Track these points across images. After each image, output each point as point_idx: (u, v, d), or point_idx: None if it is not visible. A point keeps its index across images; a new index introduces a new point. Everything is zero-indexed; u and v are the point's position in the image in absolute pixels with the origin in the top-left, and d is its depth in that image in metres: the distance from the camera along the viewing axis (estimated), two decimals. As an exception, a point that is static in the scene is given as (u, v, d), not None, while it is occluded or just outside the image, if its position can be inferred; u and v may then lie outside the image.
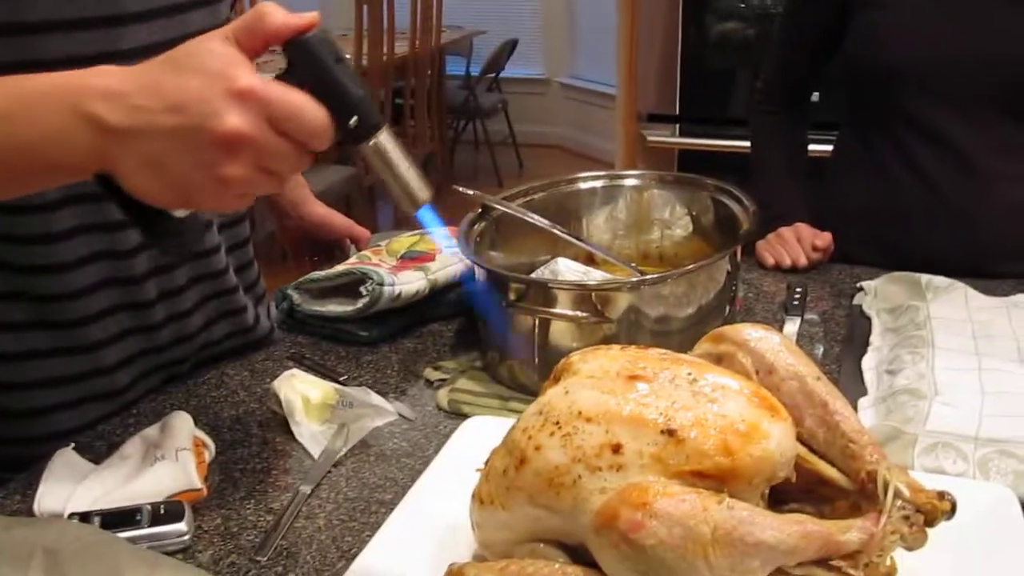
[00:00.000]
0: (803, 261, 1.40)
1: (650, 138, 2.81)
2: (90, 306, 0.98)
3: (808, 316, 1.25)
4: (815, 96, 1.68)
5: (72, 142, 0.64)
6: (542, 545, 0.70)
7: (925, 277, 1.27)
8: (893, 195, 1.45)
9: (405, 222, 5.04)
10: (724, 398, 0.67)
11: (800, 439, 0.70)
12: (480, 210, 1.23)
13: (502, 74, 6.30)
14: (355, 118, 0.68)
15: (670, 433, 0.65)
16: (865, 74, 1.45)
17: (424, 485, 0.86)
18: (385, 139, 0.70)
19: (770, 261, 1.42)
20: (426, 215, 0.76)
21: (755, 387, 0.70)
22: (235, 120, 0.62)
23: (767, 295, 1.33)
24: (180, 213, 0.70)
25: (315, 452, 0.95)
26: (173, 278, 1.04)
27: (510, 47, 6.07)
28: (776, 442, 0.66)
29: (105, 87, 0.64)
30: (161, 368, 1.09)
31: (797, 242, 1.42)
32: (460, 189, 1.23)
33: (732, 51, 2.79)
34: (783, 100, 1.62)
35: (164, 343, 1.06)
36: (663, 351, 0.73)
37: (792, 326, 1.21)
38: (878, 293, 1.27)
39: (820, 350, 1.16)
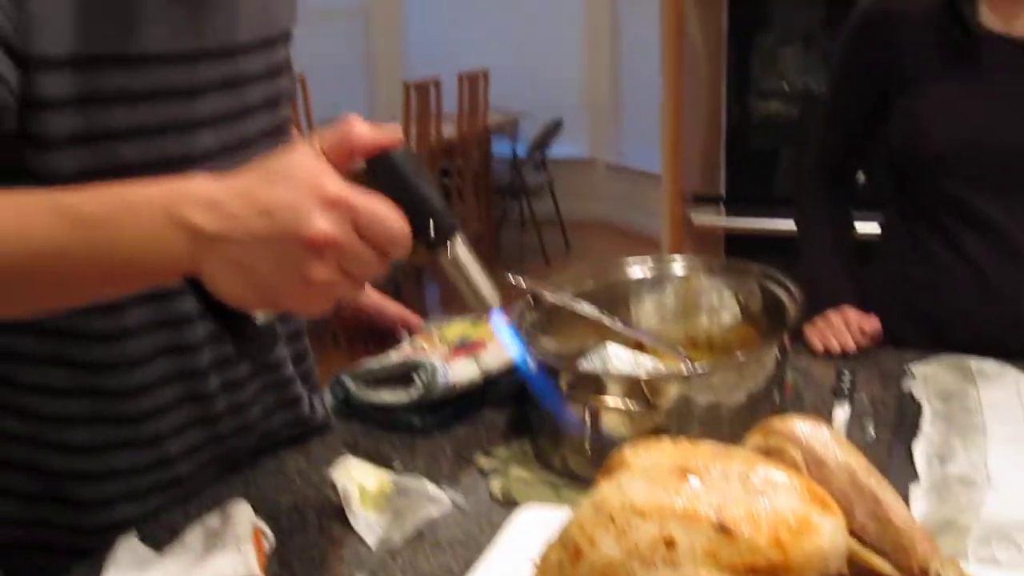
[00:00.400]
0: (851, 346, 1.41)
1: (696, 220, 2.84)
2: (155, 400, 1.01)
3: (857, 401, 1.26)
4: (860, 176, 1.71)
5: (167, 247, 0.69)
6: (597, 639, 0.71)
7: (975, 362, 1.27)
8: (939, 278, 1.46)
9: (451, 302, 5.10)
10: (775, 492, 0.69)
11: (852, 532, 0.71)
12: (531, 299, 1.26)
13: (548, 154, 6.39)
14: (433, 228, 0.72)
15: (723, 528, 0.66)
16: (907, 161, 1.48)
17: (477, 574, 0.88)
18: (459, 248, 0.75)
19: (819, 347, 1.43)
20: (496, 317, 0.80)
21: (806, 481, 0.71)
22: (323, 225, 0.66)
23: (816, 380, 1.34)
24: (261, 318, 0.73)
25: (371, 541, 0.97)
26: (234, 371, 1.08)
27: (556, 127, 6.16)
28: (828, 536, 0.67)
29: (200, 195, 0.69)
30: (222, 457, 1.12)
31: (845, 327, 1.43)
32: (511, 278, 1.26)
33: (776, 131, 2.84)
34: (828, 182, 1.65)
35: (225, 434, 1.09)
36: (714, 445, 0.75)
37: (842, 411, 1.22)
38: (927, 378, 1.27)
39: (870, 436, 1.17)
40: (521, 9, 6.93)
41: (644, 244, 5.72)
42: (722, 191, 2.84)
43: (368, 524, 0.99)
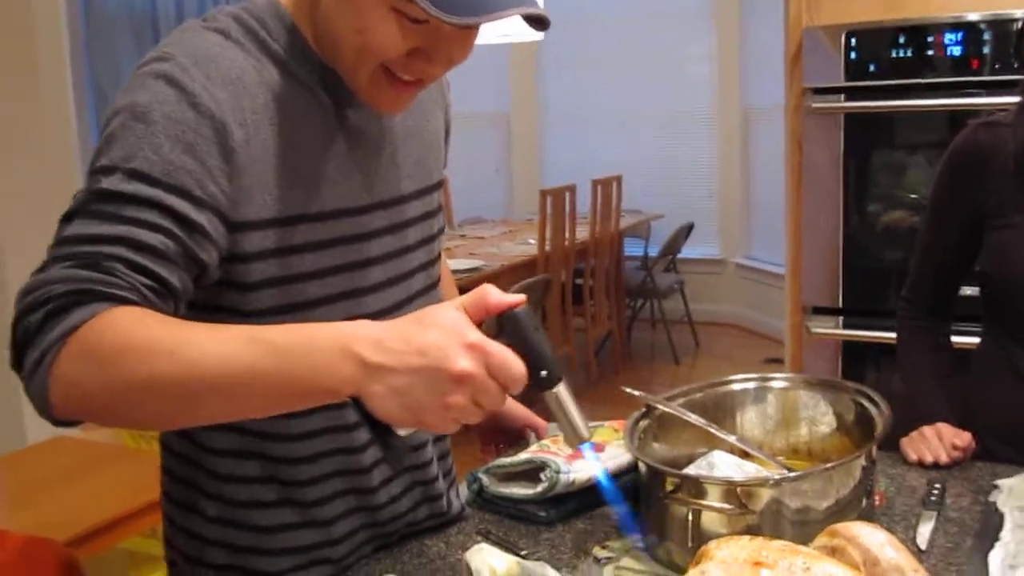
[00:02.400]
0: (944, 458, 1.51)
1: (814, 329, 2.95)
2: (327, 489, 1.22)
3: (945, 510, 1.36)
4: (967, 290, 1.81)
5: (340, 373, 0.87)
6: None
7: (1059, 478, 1.37)
8: None
9: (581, 393, 5.22)
10: (832, 584, 0.83)
11: (899, 623, 0.85)
12: (644, 409, 1.42)
13: (679, 255, 6.53)
14: (544, 373, 0.92)
15: (785, 611, 0.81)
16: (995, 287, 1.60)
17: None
18: (562, 390, 0.94)
19: (913, 457, 1.54)
20: (586, 449, 0.99)
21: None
22: (465, 363, 0.86)
23: (908, 489, 1.45)
24: (403, 432, 0.93)
25: (500, 615, 1.14)
26: (391, 468, 1.27)
27: (687, 230, 6.31)
28: (874, 623, 0.81)
29: (368, 335, 0.88)
30: (375, 539, 1.30)
31: (938, 440, 1.53)
32: (628, 391, 1.43)
33: (894, 241, 2.93)
34: (926, 307, 1.76)
35: (381, 520, 1.28)
36: (784, 543, 0.90)
37: (929, 520, 1.32)
38: (1012, 491, 1.37)
39: (954, 544, 1.27)
40: (655, 120, 7.17)
41: (769, 345, 5.79)
42: (840, 302, 2.94)
43: (497, 601, 1.16)
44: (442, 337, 0.87)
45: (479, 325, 0.90)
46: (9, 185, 3.75)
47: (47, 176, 3.81)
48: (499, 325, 0.92)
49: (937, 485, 1.42)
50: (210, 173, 1.01)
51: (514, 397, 0.92)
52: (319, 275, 1.13)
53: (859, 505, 1.26)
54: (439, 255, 1.35)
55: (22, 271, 0.97)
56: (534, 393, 0.95)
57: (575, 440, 0.96)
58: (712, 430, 1.41)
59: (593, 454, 1.00)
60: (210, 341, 0.90)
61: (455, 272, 4.25)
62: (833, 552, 0.91)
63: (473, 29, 1.04)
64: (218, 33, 1.09)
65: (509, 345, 0.89)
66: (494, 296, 0.91)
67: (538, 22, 1.02)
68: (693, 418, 1.41)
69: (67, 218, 0.98)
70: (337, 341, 0.88)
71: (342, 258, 1.15)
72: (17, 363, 0.93)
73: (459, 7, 0.95)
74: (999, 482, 1.41)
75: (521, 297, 0.93)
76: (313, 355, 0.88)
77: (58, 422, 0.93)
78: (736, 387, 1.49)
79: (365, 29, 1.03)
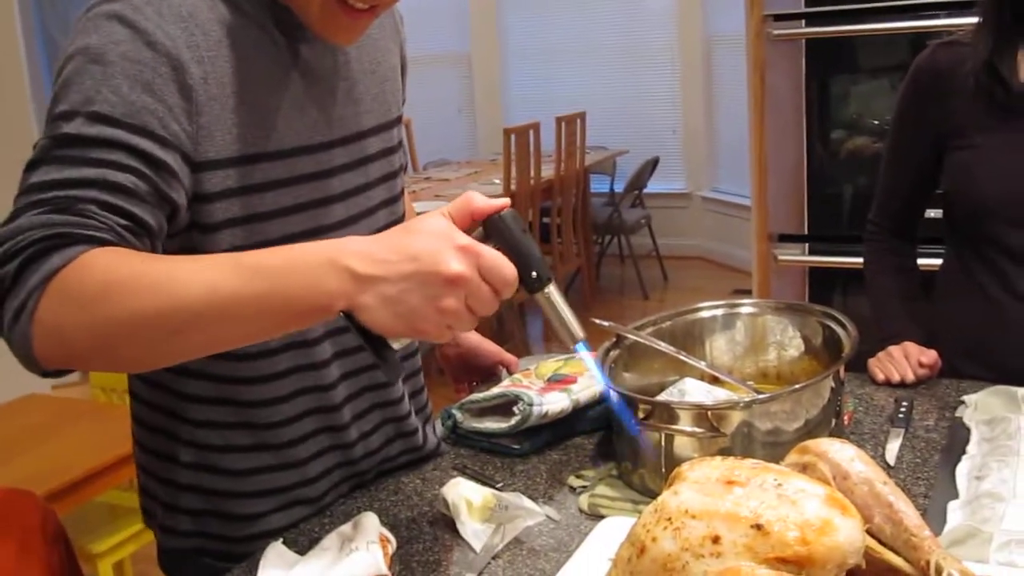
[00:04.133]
0: (911, 377, 1.53)
1: (781, 257, 2.97)
2: (299, 430, 1.21)
3: (914, 428, 1.39)
4: (931, 214, 1.82)
5: (330, 288, 0.87)
6: (663, 620, 0.87)
7: (1023, 391, 1.39)
8: (993, 315, 1.58)
9: (551, 336, 5.25)
10: (803, 499, 0.84)
11: (870, 533, 0.86)
12: (615, 339, 1.42)
13: (645, 190, 6.54)
14: (534, 273, 0.93)
15: (758, 527, 0.82)
16: (959, 207, 1.61)
17: (568, 574, 1.05)
18: (552, 291, 0.95)
19: (880, 377, 1.56)
20: (581, 347, 0.99)
21: (830, 490, 0.86)
22: (458, 266, 0.86)
23: (876, 408, 1.47)
24: (397, 345, 0.93)
25: (477, 547, 1.15)
26: (359, 403, 1.27)
27: (652, 164, 6.31)
28: (846, 534, 0.82)
29: (356, 247, 0.88)
30: (351, 478, 1.31)
31: (905, 359, 1.56)
32: (597, 322, 1.43)
33: (858, 167, 2.95)
34: (891, 229, 1.78)
35: (355, 458, 1.29)
36: (756, 461, 0.91)
37: (897, 437, 1.35)
38: (978, 406, 1.40)
39: (921, 460, 1.30)
40: (617, 54, 7.13)
41: (737, 277, 5.83)
42: (805, 229, 2.96)
43: (474, 532, 1.17)
44: (432, 242, 0.87)
45: (466, 232, 0.90)
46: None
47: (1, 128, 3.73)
48: (485, 230, 0.93)
49: (904, 403, 1.44)
50: (171, 111, 1.00)
51: (509, 303, 0.92)
52: (281, 213, 1.12)
53: (828, 425, 1.28)
54: (402, 191, 1.34)
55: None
56: (525, 294, 0.96)
57: (570, 339, 0.97)
58: (682, 357, 1.42)
59: (589, 354, 1.00)
60: (193, 271, 0.89)
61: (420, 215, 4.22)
62: (804, 468, 0.92)
63: None
64: None
65: (498, 249, 0.90)
66: (479, 201, 0.92)
67: None
68: (663, 346, 1.42)
69: (31, 166, 0.96)
70: (324, 256, 0.88)
71: (304, 196, 1.14)
72: None
73: None
74: (965, 398, 1.43)
75: (506, 200, 0.94)
76: (301, 272, 0.88)
77: (44, 372, 0.92)
78: (704, 314, 1.50)
79: None
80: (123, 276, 0.88)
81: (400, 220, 1.31)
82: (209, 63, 1.04)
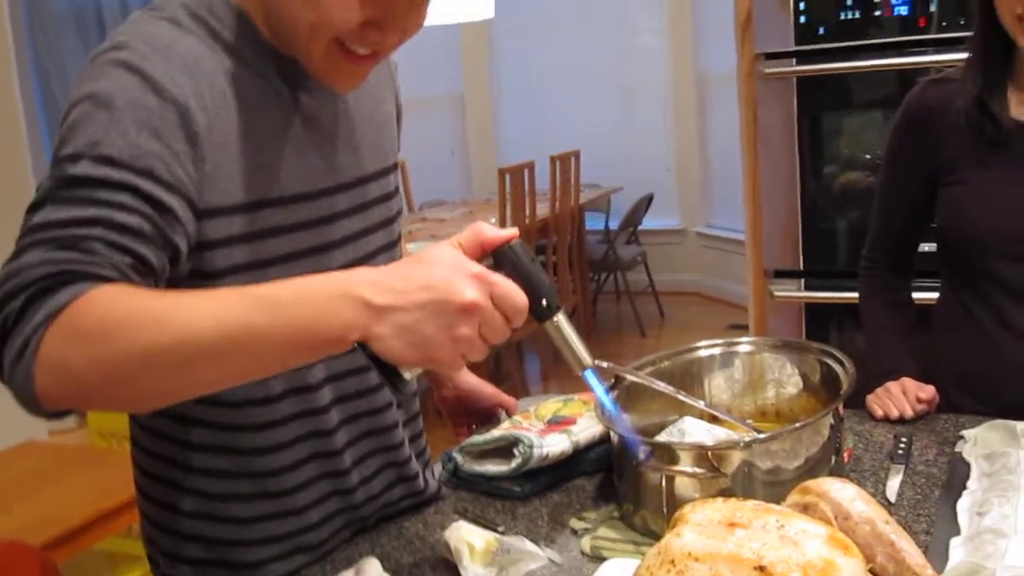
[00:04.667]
0: (909, 413, 1.54)
1: (777, 293, 2.98)
2: (299, 477, 1.22)
3: (914, 464, 1.39)
4: (926, 247, 1.83)
5: (344, 319, 0.87)
6: (668, 662, 0.87)
7: (1022, 425, 1.40)
8: (989, 350, 1.59)
9: (549, 376, 5.23)
10: (806, 540, 0.85)
11: (872, 573, 0.87)
12: (614, 379, 1.43)
13: (640, 227, 6.56)
14: (544, 302, 0.95)
15: (761, 569, 0.83)
16: (953, 242, 1.62)
17: (571, 617, 1.05)
18: (562, 319, 0.97)
19: (879, 413, 1.56)
20: (590, 375, 1.01)
21: (832, 531, 0.87)
22: (472, 293, 0.87)
23: (876, 445, 1.47)
24: (409, 375, 0.93)
25: (480, 592, 1.15)
26: (360, 447, 1.28)
27: (647, 201, 6.34)
28: (848, 575, 0.83)
29: (369, 278, 0.89)
30: (353, 523, 1.31)
31: (903, 395, 1.56)
32: (596, 363, 1.43)
33: (852, 202, 2.96)
34: (886, 264, 1.79)
35: (357, 503, 1.29)
36: (757, 503, 0.91)
37: (897, 473, 1.35)
38: (977, 440, 1.40)
39: (921, 496, 1.30)
40: (609, 93, 7.18)
41: (732, 312, 5.84)
42: (801, 265, 2.97)
43: (477, 577, 1.17)
44: (446, 271, 0.88)
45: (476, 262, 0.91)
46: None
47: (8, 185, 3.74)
48: (495, 260, 0.94)
49: (904, 439, 1.45)
50: (177, 157, 1.01)
51: (507, 342, 0.93)
52: (282, 260, 1.13)
53: (828, 463, 1.28)
54: (399, 237, 1.35)
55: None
56: (536, 323, 0.97)
57: (579, 367, 0.99)
58: (681, 397, 1.41)
59: (597, 381, 1.01)
60: (200, 304, 0.88)
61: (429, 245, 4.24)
62: (805, 509, 0.92)
63: None
64: (169, 22, 1.08)
65: (508, 278, 0.91)
66: (489, 231, 0.93)
67: None
68: (661, 386, 1.42)
69: (34, 207, 0.96)
70: (336, 287, 0.88)
71: (305, 242, 1.15)
72: None
73: None
74: (964, 432, 1.44)
75: (514, 230, 0.95)
76: (312, 303, 0.88)
77: (45, 413, 0.90)
78: (702, 353, 1.51)
79: (318, 3, 1.03)
80: (130, 311, 0.88)
81: None
82: (214, 112, 1.05)
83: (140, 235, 0.96)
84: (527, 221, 5.30)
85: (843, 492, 0.92)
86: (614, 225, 6.49)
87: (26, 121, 4.46)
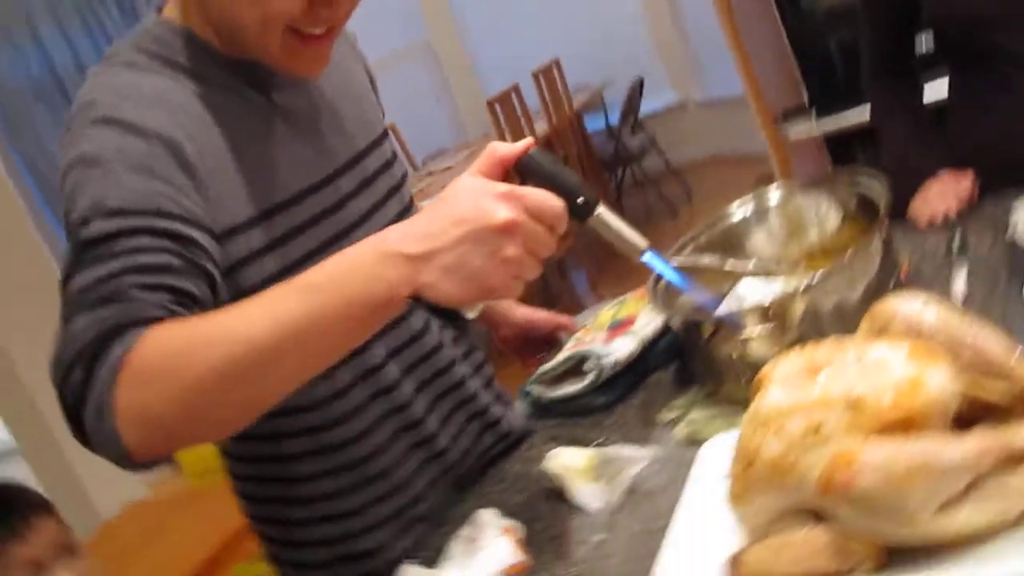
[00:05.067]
0: (954, 208, 1.52)
1: (792, 135, 2.94)
2: (393, 455, 1.25)
3: (972, 259, 1.37)
4: (922, 48, 1.80)
5: (388, 279, 0.87)
6: (792, 517, 0.88)
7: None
8: (1009, 122, 1.56)
9: (601, 284, 5.20)
10: (888, 364, 0.84)
11: (961, 375, 0.86)
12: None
13: (640, 114, 6.49)
14: (580, 199, 0.92)
15: (853, 404, 0.83)
16: (951, 28, 1.59)
17: (687, 505, 1.06)
18: (603, 211, 0.94)
19: (924, 219, 1.55)
20: (650, 259, 0.98)
21: (911, 346, 0.86)
22: (505, 212, 0.85)
23: (930, 252, 1.46)
24: (472, 314, 0.92)
25: (594, 508, 1.16)
26: (440, 408, 1.29)
27: (639, 86, 6.25)
28: (938, 384, 0.82)
29: (398, 233, 0.88)
30: (456, 482, 1.33)
31: (942, 193, 1.54)
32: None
33: (838, 21, 2.89)
34: (889, 73, 1.76)
35: (452, 463, 1.31)
36: (831, 341, 0.91)
37: (959, 274, 1.33)
38: (1029, 216, 1.38)
39: (988, 287, 1.29)
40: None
41: (755, 164, 5.77)
42: (806, 100, 2.93)
43: (588, 494, 1.19)
44: (473, 199, 0.86)
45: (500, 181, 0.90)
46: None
47: (8, 253, 3.76)
48: (520, 173, 0.92)
49: (956, 237, 1.43)
50: (180, 190, 1.01)
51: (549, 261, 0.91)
52: (309, 256, 1.14)
53: (888, 283, 1.27)
54: (411, 200, 1.35)
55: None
56: (579, 224, 0.94)
57: (636, 252, 0.96)
58: (728, 266, 1.42)
59: (659, 259, 0.99)
60: (253, 310, 0.89)
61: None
62: (879, 333, 0.92)
63: None
64: (126, 66, 1.09)
65: (537, 187, 0.89)
66: (503, 149, 0.91)
67: None
68: (707, 260, 1.42)
69: (65, 281, 0.97)
70: (373, 251, 0.88)
71: (325, 232, 1.16)
72: (78, 428, 0.90)
73: None
74: (1015, 215, 1.42)
75: (529, 139, 0.93)
76: (355, 274, 0.88)
77: (140, 465, 0.90)
78: (735, 217, 1.50)
79: None
80: (187, 340, 0.88)
81: None
82: (198, 138, 1.06)
83: (171, 270, 0.96)
84: (529, 143, 5.26)
85: (910, 305, 0.91)
86: (615, 120, 6.42)
87: (22, 199, 4.50)
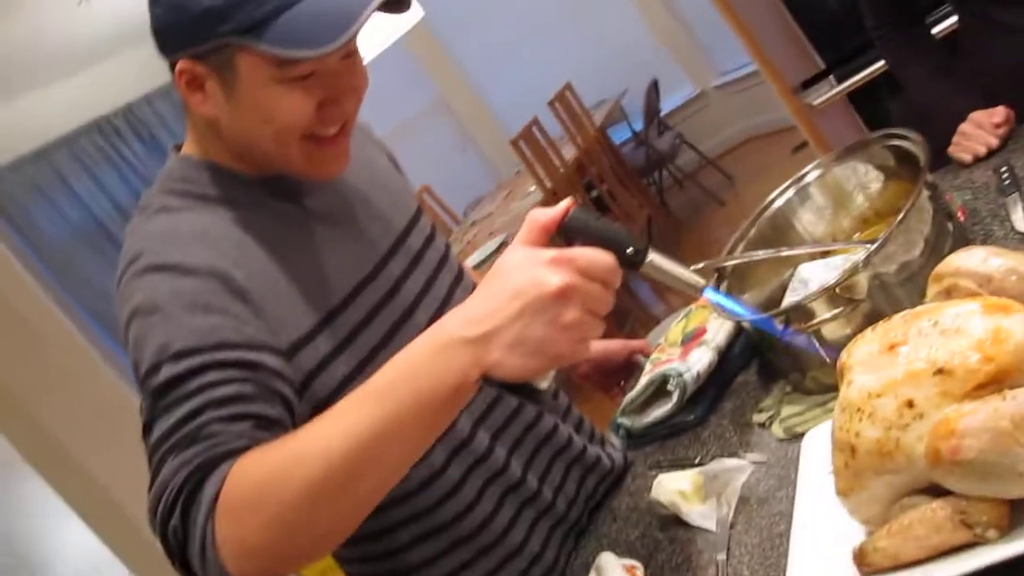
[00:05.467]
0: (994, 142, 1.49)
1: (816, 102, 2.91)
2: (503, 519, 1.25)
3: (1024, 185, 1.35)
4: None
5: (455, 368, 0.86)
6: (906, 499, 0.87)
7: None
8: (1018, 39, 1.53)
9: (662, 290, 5.16)
10: (964, 323, 0.83)
11: (1041, 313, 0.85)
12: (716, 273, 1.42)
13: (662, 114, 6.47)
14: (630, 249, 0.92)
15: (940, 372, 0.81)
16: None
17: (802, 505, 1.05)
18: (655, 256, 0.93)
19: (967, 158, 1.52)
20: (710, 293, 0.97)
21: (982, 300, 0.85)
22: (558, 277, 0.85)
23: (983, 189, 1.44)
24: (544, 383, 0.92)
25: (711, 526, 1.16)
26: (538, 463, 1.30)
27: (654, 87, 6.24)
28: (1020, 330, 0.81)
29: (455, 319, 0.88)
30: (571, 532, 1.33)
31: (979, 129, 1.52)
32: (693, 268, 1.43)
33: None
34: (893, 23, 1.74)
35: (563, 513, 1.31)
36: (903, 313, 0.90)
37: (1016, 204, 1.31)
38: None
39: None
40: (571, 15, 7.08)
41: (788, 136, 5.71)
42: (821, 63, 2.90)
43: (702, 515, 1.18)
44: (524, 271, 0.86)
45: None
46: (84, 433, 3.83)
47: (107, 404, 3.87)
48: (564, 236, 0.92)
49: (1004, 169, 1.41)
50: (238, 319, 1.04)
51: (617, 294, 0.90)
52: (379, 347, 1.16)
53: (947, 232, 1.26)
54: (460, 268, 1.37)
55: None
56: (634, 273, 0.94)
57: (695, 290, 0.95)
58: (784, 253, 1.41)
59: (715, 292, 0.99)
60: (328, 425, 0.90)
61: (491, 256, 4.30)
62: (949, 294, 0.91)
63: (353, 50, 1.09)
64: (161, 212, 1.12)
65: (584, 245, 0.89)
66: (543, 216, 0.91)
67: (396, 4, 1.04)
68: (761, 254, 1.41)
69: (145, 431, 0.99)
70: (433, 343, 0.88)
71: (388, 319, 1.18)
72: (187, 571, 0.92)
73: (325, 37, 0.99)
74: (1055, 131, 1.40)
75: (567, 201, 0.92)
76: (422, 369, 0.88)
77: None
78: (778, 203, 1.49)
79: (270, 115, 1.06)
80: (272, 466, 0.90)
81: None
82: (245, 264, 1.08)
83: (246, 398, 0.98)
84: (561, 171, 5.28)
85: (972, 258, 0.90)
86: (639, 127, 6.41)
87: (86, 339, 4.62)
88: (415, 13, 5.20)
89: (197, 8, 1.02)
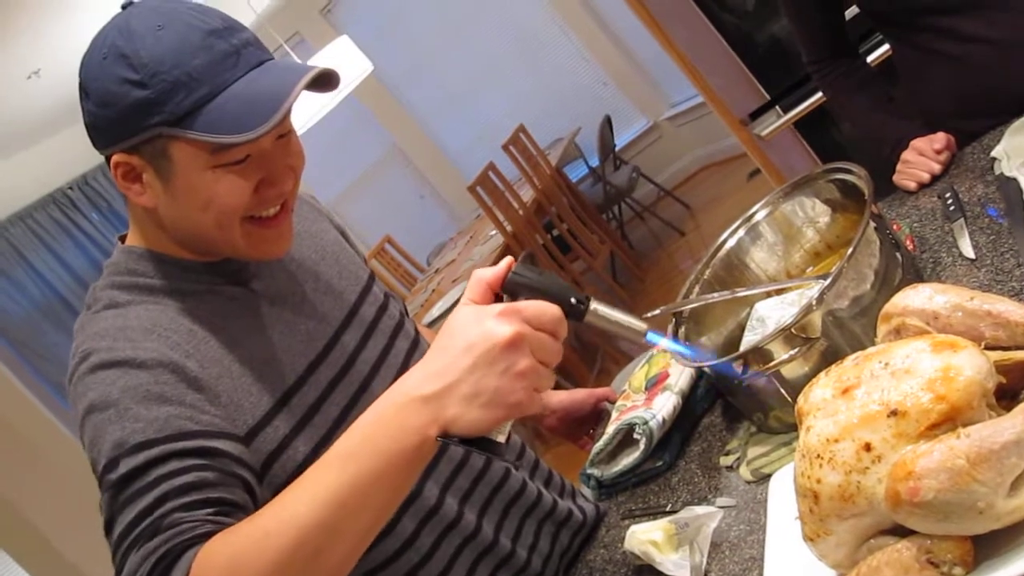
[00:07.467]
0: (936, 168, 1.52)
1: (764, 133, 2.95)
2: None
3: (970, 210, 1.37)
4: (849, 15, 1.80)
5: (412, 427, 0.87)
6: (873, 540, 0.87)
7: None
8: (956, 67, 1.57)
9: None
10: (914, 363, 0.84)
11: (989, 349, 0.86)
12: (673, 317, 1.43)
13: (617, 148, 6.52)
14: (572, 300, 0.94)
15: (894, 413, 0.82)
16: (879, 9, 1.60)
17: (773, 550, 1.05)
18: (597, 305, 0.96)
19: (912, 186, 1.54)
20: (652, 337, 0.99)
21: (930, 338, 0.86)
22: (507, 327, 0.87)
23: (929, 215, 1.45)
24: (501, 436, 0.93)
25: (685, 575, 1.16)
26: (509, 524, 1.29)
27: (608, 123, 6.29)
28: (970, 365, 0.82)
29: (409, 379, 0.89)
30: (545, 592, 1.33)
31: (921, 156, 1.54)
32: (647, 316, 1.43)
33: (771, 9, 2.92)
34: (829, 56, 1.77)
35: (539, 572, 1.30)
36: (854, 356, 0.91)
37: (962, 229, 1.33)
38: (1008, 154, 1.38)
39: (995, 233, 1.28)
40: (514, 57, 7.15)
41: (741, 163, 5.77)
42: (767, 95, 2.94)
43: (675, 564, 1.17)
44: (473, 326, 0.88)
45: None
46: (50, 508, 3.79)
47: (76, 481, 3.83)
48: (508, 292, 0.94)
49: (948, 195, 1.43)
50: (194, 407, 1.03)
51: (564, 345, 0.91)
52: (338, 422, 1.15)
53: (897, 262, 1.27)
54: (416, 332, 1.37)
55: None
56: (577, 322, 0.96)
57: (638, 336, 0.97)
58: (740, 293, 1.42)
59: (660, 336, 1.00)
60: (293, 497, 0.90)
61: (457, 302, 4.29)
62: (898, 333, 0.92)
63: (287, 130, 1.09)
64: (109, 307, 1.11)
65: (530, 299, 0.92)
66: (487, 274, 0.93)
67: (327, 82, 1.05)
68: (716, 296, 1.42)
69: (107, 526, 0.98)
70: (390, 405, 0.89)
71: (345, 394, 1.18)
72: None
73: (255, 120, 1.00)
74: (993, 153, 1.42)
75: (508, 259, 0.95)
76: (382, 430, 0.89)
77: None
78: (729, 243, 1.50)
79: (208, 201, 1.06)
80: (239, 545, 0.89)
81: None
82: (196, 352, 1.08)
83: (207, 485, 0.97)
84: (521, 212, 5.30)
85: (918, 296, 0.91)
86: (595, 163, 6.45)
87: (50, 411, 4.59)
88: (365, 65, 5.24)
89: (126, 101, 1.02)
